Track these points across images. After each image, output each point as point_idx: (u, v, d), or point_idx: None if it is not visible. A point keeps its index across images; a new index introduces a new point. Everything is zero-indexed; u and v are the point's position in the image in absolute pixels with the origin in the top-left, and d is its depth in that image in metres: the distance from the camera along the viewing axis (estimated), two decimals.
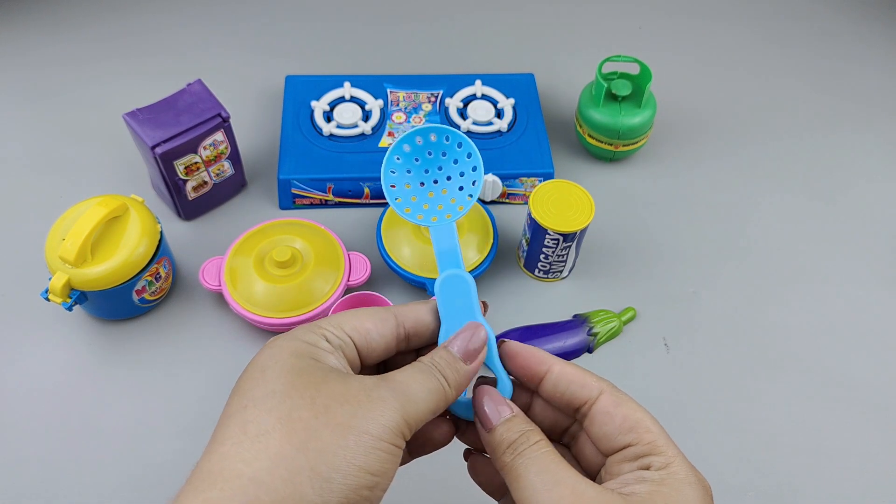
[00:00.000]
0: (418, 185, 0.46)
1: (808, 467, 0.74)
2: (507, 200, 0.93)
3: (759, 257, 0.90)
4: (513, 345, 0.43)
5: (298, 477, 0.32)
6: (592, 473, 0.42)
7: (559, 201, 0.79)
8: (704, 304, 0.85)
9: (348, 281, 0.80)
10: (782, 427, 0.76)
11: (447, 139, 0.46)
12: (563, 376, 0.41)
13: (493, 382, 0.43)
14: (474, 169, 0.46)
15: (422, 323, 0.42)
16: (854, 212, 0.95)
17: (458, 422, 0.44)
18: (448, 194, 0.46)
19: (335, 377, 0.36)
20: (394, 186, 0.46)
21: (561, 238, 0.79)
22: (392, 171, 0.46)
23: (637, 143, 0.94)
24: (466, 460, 0.45)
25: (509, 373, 0.43)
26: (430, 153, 0.46)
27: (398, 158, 0.46)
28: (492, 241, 0.84)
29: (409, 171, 0.46)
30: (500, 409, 0.40)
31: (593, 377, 0.41)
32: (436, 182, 0.46)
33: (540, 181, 0.91)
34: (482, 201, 0.91)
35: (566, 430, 0.44)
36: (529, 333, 0.80)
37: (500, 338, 0.81)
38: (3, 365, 0.77)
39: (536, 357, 0.42)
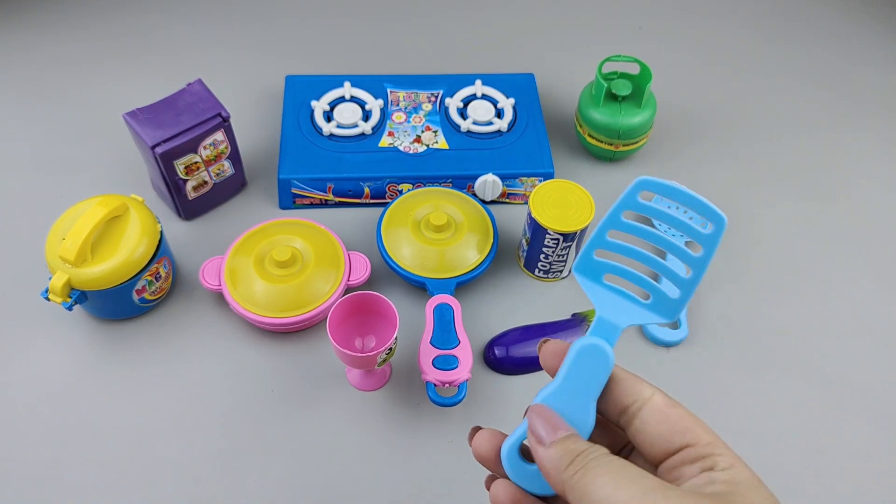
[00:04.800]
0: None
1: (808, 467, 0.74)
2: (507, 200, 0.93)
3: (760, 257, 0.90)
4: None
5: None
6: None
7: (559, 201, 0.79)
8: (705, 304, 0.85)
9: (348, 281, 0.80)
10: (782, 426, 0.76)
11: None
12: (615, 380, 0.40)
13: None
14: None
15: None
16: (854, 212, 0.95)
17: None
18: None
19: None
20: None
21: (561, 238, 0.79)
22: None
23: (637, 143, 0.94)
24: (488, 488, 0.42)
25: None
26: None
27: None
28: (492, 241, 0.84)
29: None
30: (556, 425, 0.38)
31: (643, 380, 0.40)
32: None
33: (540, 181, 0.90)
34: (482, 201, 0.91)
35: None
36: (528, 333, 0.80)
37: (500, 337, 0.82)
38: (4, 365, 0.77)
39: None
